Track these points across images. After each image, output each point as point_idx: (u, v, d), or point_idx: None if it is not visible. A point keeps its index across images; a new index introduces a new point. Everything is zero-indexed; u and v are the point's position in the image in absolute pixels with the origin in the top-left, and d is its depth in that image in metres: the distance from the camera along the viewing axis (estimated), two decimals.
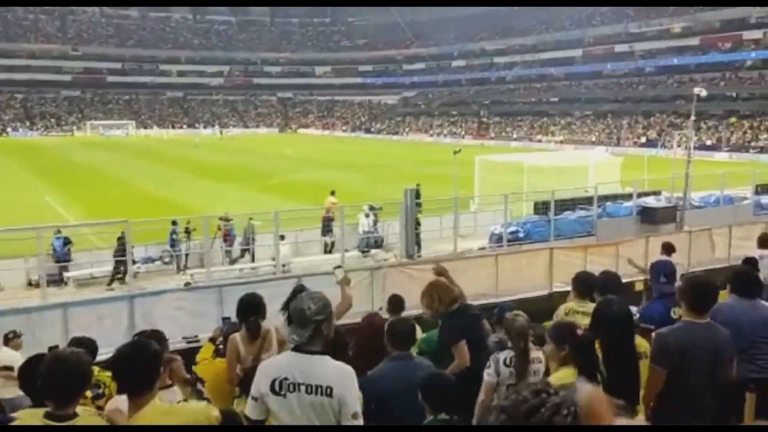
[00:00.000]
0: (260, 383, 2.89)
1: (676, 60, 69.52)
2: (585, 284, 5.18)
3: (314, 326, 2.85)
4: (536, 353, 3.94)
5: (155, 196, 26.85)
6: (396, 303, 6.12)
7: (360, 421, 2.85)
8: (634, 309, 5.48)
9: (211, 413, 2.72)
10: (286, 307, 5.18)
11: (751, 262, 7.37)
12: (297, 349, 2.88)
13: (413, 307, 7.12)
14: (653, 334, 3.69)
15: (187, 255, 14.66)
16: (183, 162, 44.30)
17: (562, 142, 62.73)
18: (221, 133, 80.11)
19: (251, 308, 4.70)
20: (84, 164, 42.74)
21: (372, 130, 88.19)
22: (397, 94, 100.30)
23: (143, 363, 2.65)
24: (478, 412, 3.86)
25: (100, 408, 3.40)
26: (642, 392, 3.58)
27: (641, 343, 3.66)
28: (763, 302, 4.64)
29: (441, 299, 4.62)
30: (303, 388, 2.80)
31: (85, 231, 16.82)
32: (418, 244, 14.54)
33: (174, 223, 14.72)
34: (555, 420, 1.16)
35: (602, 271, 5.19)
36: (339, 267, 5.28)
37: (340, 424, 2.81)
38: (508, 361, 3.92)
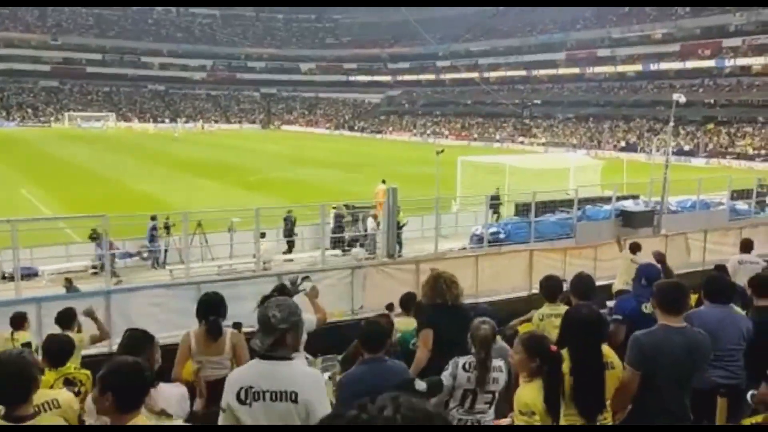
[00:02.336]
0: (227, 394, 2.85)
1: (657, 65, 70.45)
2: (551, 287, 5.23)
3: (278, 334, 2.79)
4: (498, 362, 3.92)
5: (134, 191, 26.56)
6: (408, 301, 6.12)
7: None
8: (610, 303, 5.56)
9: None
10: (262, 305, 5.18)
11: (721, 269, 7.52)
12: (261, 356, 2.83)
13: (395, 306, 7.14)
14: (630, 338, 3.73)
15: (166, 251, 14.52)
16: (163, 156, 43.84)
17: (544, 144, 63.24)
18: (202, 127, 79.43)
19: (211, 307, 4.68)
20: (62, 157, 42.09)
21: (355, 128, 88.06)
22: (381, 93, 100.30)
23: (134, 384, 2.62)
24: None
25: None
26: (610, 398, 3.60)
27: (608, 354, 3.69)
28: (736, 308, 4.72)
29: (448, 289, 4.61)
30: (268, 395, 2.75)
31: (61, 225, 16.58)
32: (400, 243, 14.56)
33: (153, 218, 14.57)
34: None
35: (576, 273, 5.24)
36: (307, 277, 5.25)
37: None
38: (467, 366, 3.88)
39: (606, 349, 3.66)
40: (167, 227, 14.58)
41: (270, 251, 13.89)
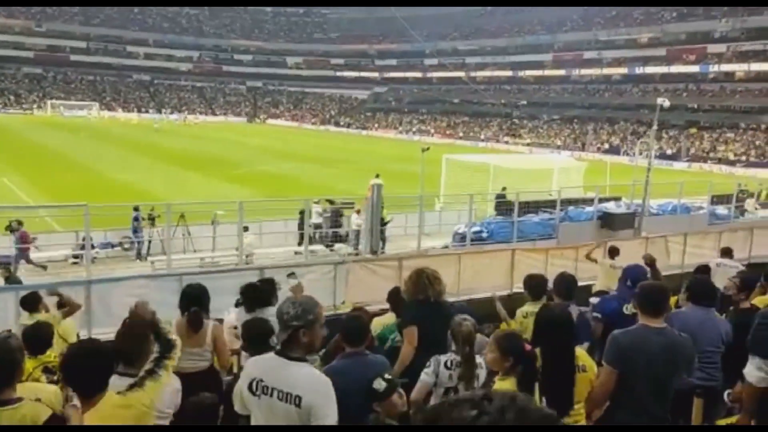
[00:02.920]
0: (242, 380, 2.88)
1: (642, 69, 71.16)
2: (536, 287, 5.29)
3: (290, 331, 2.78)
4: (479, 359, 3.95)
5: (116, 181, 26.29)
6: (397, 296, 6.14)
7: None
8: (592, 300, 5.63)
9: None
10: (245, 300, 5.18)
11: (703, 270, 7.66)
12: (278, 352, 2.84)
13: (377, 303, 7.17)
14: (609, 337, 3.78)
15: (150, 242, 14.41)
16: (147, 147, 43.44)
17: (529, 144, 63.61)
18: (185, 119, 78.71)
19: (193, 299, 4.67)
20: (44, 145, 41.52)
21: (341, 123, 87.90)
22: (368, 89, 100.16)
23: (94, 367, 2.60)
24: (411, 410, 3.82)
25: None
26: (582, 401, 3.63)
27: (582, 356, 3.74)
28: (716, 312, 4.81)
29: (431, 284, 4.62)
30: (275, 393, 2.73)
31: (42, 213, 16.38)
32: (383, 240, 14.58)
33: (136, 209, 14.45)
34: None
35: (559, 273, 5.30)
36: (292, 274, 5.26)
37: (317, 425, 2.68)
38: (449, 364, 3.90)
39: (580, 352, 3.69)
40: (152, 218, 14.47)
41: (253, 245, 13.84)
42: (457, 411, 0.89)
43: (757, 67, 62.00)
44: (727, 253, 9.63)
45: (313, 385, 2.73)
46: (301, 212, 14.50)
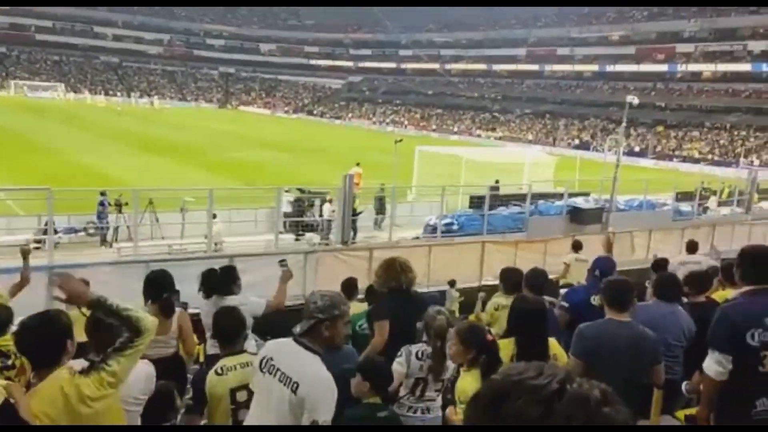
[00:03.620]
0: (258, 356, 2.95)
1: (613, 67, 72.24)
2: (512, 280, 5.34)
3: (313, 322, 2.80)
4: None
5: (82, 165, 25.70)
6: (349, 287, 6.13)
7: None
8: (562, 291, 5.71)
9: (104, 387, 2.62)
10: (202, 286, 5.12)
11: (661, 265, 7.84)
12: (296, 338, 2.86)
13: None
14: (576, 330, 3.84)
15: (116, 228, 14.11)
16: (114, 131, 42.54)
17: (501, 138, 64.10)
18: (152, 104, 77.21)
19: (159, 286, 4.61)
20: (6, 127, 40.31)
21: (315, 112, 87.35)
22: (343, 79, 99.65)
23: (49, 337, 2.55)
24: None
25: (9, 379, 3.25)
26: None
27: (554, 347, 3.80)
28: (680, 307, 4.92)
29: (403, 272, 4.61)
30: (278, 374, 2.76)
31: (3, 197, 15.92)
32: (354, 230, 14.55)
33: (103, 194, 14.13)
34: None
35: (531, 268, 5.36)
36: (283, 261, 5.23)
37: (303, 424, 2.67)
38: (420, 354, 3.91)
39: (552, 342, 3.75)
40: (118, 204, 14.14)
41: (222, 233, 13.68)
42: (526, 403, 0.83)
43: (723, 67, 63.49)
44: (692, 247, 9.83)
45: (314, 378, 2.72)
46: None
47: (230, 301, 4.78)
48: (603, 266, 5.47)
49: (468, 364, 3.46)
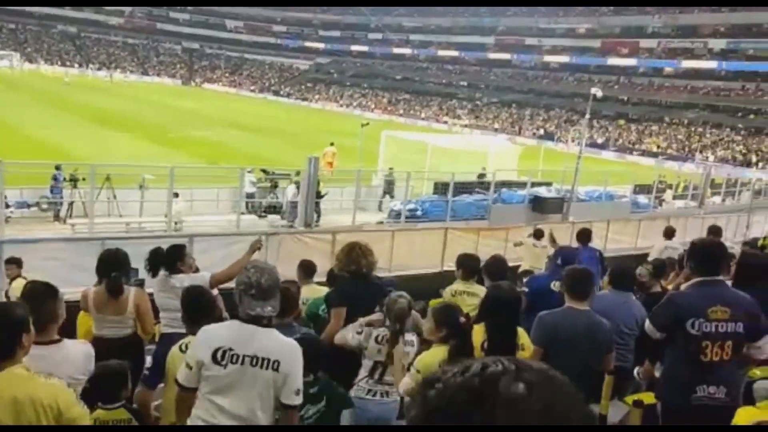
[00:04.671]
0: (199, 351, 2.81)
1: (579, 59, 73.21)
2: (469, 266, 5.38)
3: (273, 301, 2.81)
4: (411, 337, 4.00)
5: (36, 138, 24.84)
6: (307, 268, 6.08)
7: (301, 399, 2.85)
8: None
9: (67, 399, 2.54)
10: (148, 264, 5.02)
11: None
12: (244, 319, 2.80)
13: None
14: (536, 317, 3.93)
15: (71, 204, 13.69)
16: (72, 105, 41.21)
17: (467, 126, 64.45)
18: (111, 77, 74.92)
19: (111, 264, 4.51)
20: None
21: (281, 93, 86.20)
22: (310, 60, 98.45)
23: (3, 330, 2.45)
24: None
25: None
26: None
27: (522, 336, 3.86)
28: (633, 297, 5.07)
29: (363, 256, 4.60)
30: (248, 360, 2.74)
31: None
32: (318, 213, 14.44)
33: (57, 168, 13.68)
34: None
35: (492, 255, 5.42)
36: (258, 239, 5.25)
37: (282, 401, 2.79)
38: (379, 338, 3.94)
39: (521, 332, 3.83)
40: (74, 180, 13.70)
41: (183, 212, 13.43)
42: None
43: (685, 64, 65.00)
44: (669, 234, 10.28)
45: (290, 351, 2.83)
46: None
47: (177, 279, 4.70)
48: (565, 255, 5.59)
49: (439, 341, 3.51)
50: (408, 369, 3.68)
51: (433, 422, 0.77)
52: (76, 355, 3.08)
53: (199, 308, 3.72)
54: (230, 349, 2.76)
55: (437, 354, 3.43)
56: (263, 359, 2.75)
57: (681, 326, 3.51)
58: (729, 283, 3.94)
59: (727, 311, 3.52)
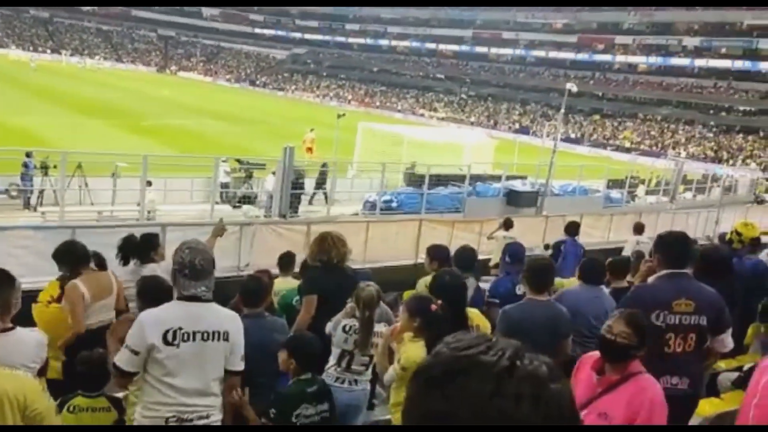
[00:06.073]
0: (148, 335, 2.80)
1: (556, 54, 73.75)
2: (440, 256, 5.43)
3: (209, 279, 2.92)
4: (380, 327, 4.03)
5: (6, 124, 24.26)
6: (286, 261, 6.07)
7: (243, 364, 3.04)
8: (485, 285, 5.89)
9: (33, 392, 2.52)
10: (120, 252, 5.00)
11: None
12: (185, 298, 2.87)
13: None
14: (500, 310, 4.00)
15: (42, 191, 13.43)
16: (43, 91, 40.32)
17: (443, 119, 64.60)
18: (84, 64, 73.37)
19: (72, 253, 4.50)
20: None
21: (257, 83, 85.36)
22: (287, 50, 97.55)
23: None
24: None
25: None
26: None
27: (474, 317, 3.94)
28: (605, 290, 5.15)
29: (335, 245, 4.60)
30: (198, 336, 2.84)
31: None
32: (294, 204, 14.35)
33: (28, 155, 13.40)
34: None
35: (460, 246, 5.48)
36: (221, 219, 5.24)
37: (229, 368, 2.98)
38: (347, 328, 3.97)
39: (473, 312, 3.90)
40: (45, 167, 13.43)
41: (156, 201, 13.26)
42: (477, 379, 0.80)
43: (659, 61, 65.92)
44: (639, 229, 10.52)
45: (235, 320, 3.05)
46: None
47: (148, 269, 4.67)
48: (513, 251, 5.70)
49: (415, 333, 3.53)
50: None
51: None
52: (28, 343, 3.05)
53: (156, 299, 3.72)
54: (180, 329, 2.81)
55: (420, 349, 3.46)
56: (214, 332, 2.88)
57: (647, 318, 3.59)
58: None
59: (691, 304, 3.59)
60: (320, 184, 16.47)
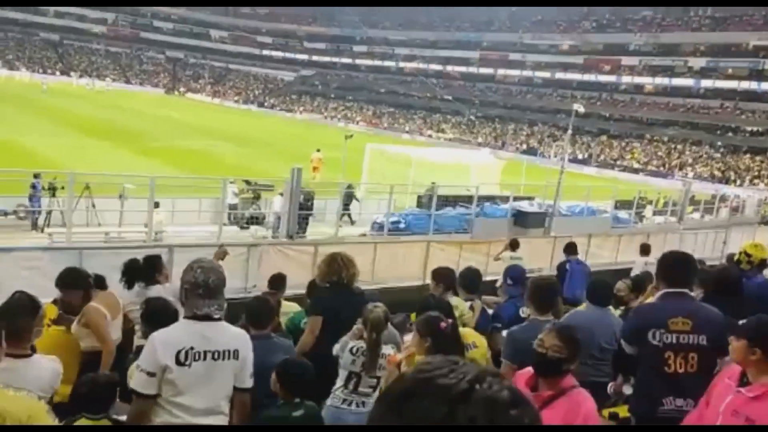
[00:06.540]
0: (161, 356, 2.79)
1: (563, 75, 74.06)
2: (445, 281, 5.38)
3: (221, 298, 2.93)
4: (387, 349, 3.99)
5: (15, 145, 24.50)
6: (277, 281, 6.04)
7: (252, 381, 3.04)
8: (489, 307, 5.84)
9: (37, 413, 2.48)
10: (124, 276, 5.00)
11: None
12: (196, 317, 2.86)
13: (290, 288, 7.06)
14: (505, 332, 3.96)
15: (49, 213, 13.50)
16: (52, 112, 40.78)
17: (451, 139, 64.79)
18: (93, 85, 74.27)
19: (75, 277, 4.50)
20: None
21: (265, 104, 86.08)
22: (295, 72, 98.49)
23: None
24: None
25: None
26: None
27: (469, 335, 3.91)
28: (613, 311, 5.10)
29: (345, 266, 4.58)
30: (209, 355, 2.84)
31: None
32: (302, 225, 14.33)
33: (36, 176, 13.50)
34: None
35: (466, 267, 5.45)
36: (222, 245, 5.23)
37: (238, 386, 2.99)
38: (354, 350, 3.93)
39: (467, 331, 3.87)
40: (52, 188, 13.51)
41: (164, 222, 13.29)
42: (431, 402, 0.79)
43: (665, 82, 66.08)
44: (645, 250, 10.47)
45: (244, 337, 3.07)
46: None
47: (154, 291, 4.64)
48: (514, 273, 5.66)
49: (426, 352, 3.48)
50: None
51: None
52: (45, 371, 3.03)
53: (161, 321, 3.70)
54: (191, 349, 2.80)
55: None
56: (224, 351, 2.89)
57: (644, 337, 3.56)
58: (699, 295, 4.01)
59: (688, 323, 3.56)
60: (346, 204, 16.54)
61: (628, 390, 4.05)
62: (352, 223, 16.33)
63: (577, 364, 4.20)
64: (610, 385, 4.37)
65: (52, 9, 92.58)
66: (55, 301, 4.62)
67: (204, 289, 2.84)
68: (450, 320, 3.53)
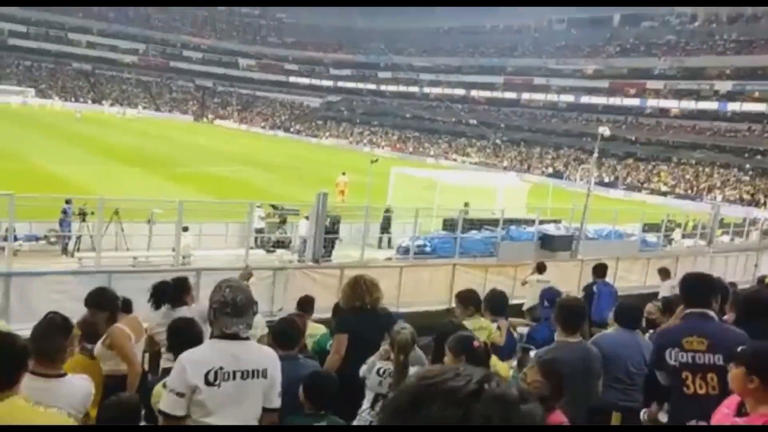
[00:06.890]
0: (190, 376, 2.78)
1: (588, 99, 73.76)
2: (471, 304, 5.32)
3: (250, 317, 2.95)
4: (414, 370, 3.97)
5: (47, 172, 25.15)
6: (305, 303, 6.06)
7: (280, 401, 3.02)
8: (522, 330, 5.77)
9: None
10: (152, 297, 5.05)
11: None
12: (225, 336, 2.87)
13: (316, 311, 7.05)
14: (532, 355, 3.93)
15: (79, 237, 13.76)
16: (83, 139, 41.84)
17: (476, 163, 64.73)
18: (124, 113, 76.15)
19: (102, 296, 4.55)
20: None
21: (291, 130, 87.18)
22: (321, 98, 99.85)
23: (7, 358, 2.44)
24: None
25: None
26: None
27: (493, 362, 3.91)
28: (641, 335, 5.00)
29: (368, 291, 4.57)
30: (239, 375, 2.83)
31: None
32: (328, 248, 14.36)
33: (68, 201, 13.80)
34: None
35: (491, 289, 5.41)
36: (247, 266, 5.27)
37: (267, 406, 2.96)
38: (381, 372, 3.93)
39: (493, 361, 3.84)
40: (82, 213, 13.79)
41: (191, 246, 13.44)
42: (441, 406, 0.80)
43: (691, 105, 65.41)
44: (665, 273, 10.28)
45: (272, 356, 3.08)
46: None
47: (181, 312, 4.67)
48: (550, 296, 5.59)
49: None
50: None
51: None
52: (77, 391, 3.04)
53: (186, 337, 3.73)
54: (221, 369, 2.80)
55: None
56: (253, 371, 2.88)
57: (663, 357, 3.54)
58: (730, 318, 3.94)
59: (704, 342, 3.49)
60: (385, 228, 16.64)
61: (663, 417, 3.93)
62: (390, 246, 16.40)
63: (604, 388, 4.15)
64: (643, 411, 4.25)
65: (84, 40, 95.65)
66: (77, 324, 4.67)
67: (232, 308, 2.85)
68: (482, 339, 3.52)
